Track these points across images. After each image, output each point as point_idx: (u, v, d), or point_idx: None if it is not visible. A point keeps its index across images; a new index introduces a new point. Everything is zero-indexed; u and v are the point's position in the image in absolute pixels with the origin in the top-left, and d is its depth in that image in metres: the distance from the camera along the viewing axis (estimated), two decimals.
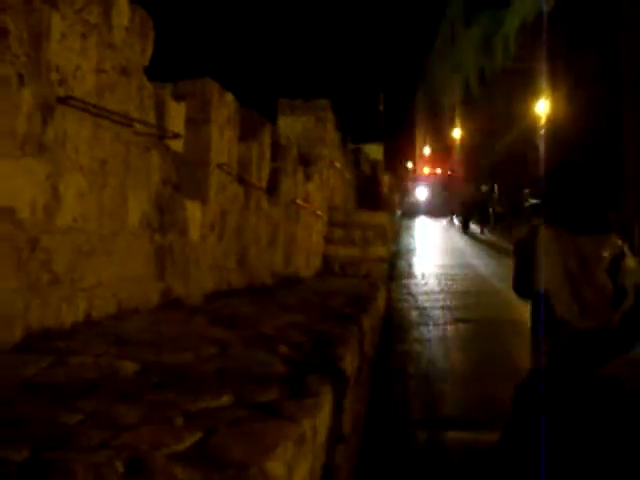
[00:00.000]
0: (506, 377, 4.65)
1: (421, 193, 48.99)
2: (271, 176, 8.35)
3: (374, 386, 5.50)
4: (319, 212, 12.26)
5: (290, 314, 4.80)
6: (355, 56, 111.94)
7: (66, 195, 3.51)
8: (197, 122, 5.74)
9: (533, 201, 22.49)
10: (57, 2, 3.38)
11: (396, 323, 9.25)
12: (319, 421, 2.32)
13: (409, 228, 29.20)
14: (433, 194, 47.71)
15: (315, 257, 12.04)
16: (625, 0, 18.19)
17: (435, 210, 40.73)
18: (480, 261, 18.12)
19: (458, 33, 49.59)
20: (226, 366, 2.85)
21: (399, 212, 32.81)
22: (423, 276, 15.09)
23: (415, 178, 55.04)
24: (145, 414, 2.12)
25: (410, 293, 12.56)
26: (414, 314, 10.23)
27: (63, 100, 3.44)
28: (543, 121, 23.58)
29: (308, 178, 11.10)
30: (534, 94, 24.77)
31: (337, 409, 2.87)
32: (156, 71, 4.80)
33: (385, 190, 26.83)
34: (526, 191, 25.83)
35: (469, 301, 11.42)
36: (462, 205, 32.24)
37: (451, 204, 38.05)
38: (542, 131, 23.57)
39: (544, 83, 23.75)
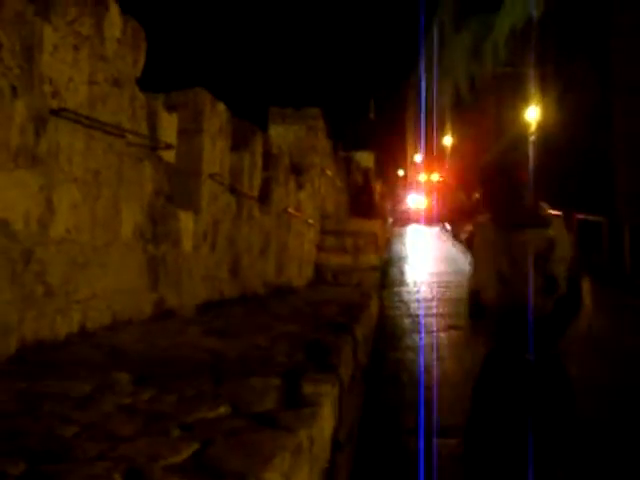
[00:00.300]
0: None
1: (412, 200, 49.11)
2: (263, 185, 8.37)
3: (368, 394, 5.50)
4: (311, 221, 12.28)
5: (283, 324, 4.80)
6: (345, 63, 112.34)
7: (59, 207, 3.51)
8: (189, 132, 5.76)
9: None
10: (49, 14, 3.40)
11: (389, 331, 9.24)
12: (315, 431, 2.32)
13: (401, 235, 29.14)
14: (425, 201, 47.78)
15: (307, 266, 12.05)
16: (615, 5, 18.29)
17: (427, 217, 40.78)
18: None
19: (448, 37, 49.79)
20: (221, 377, 2.85)
21: (390, 220, 32.84)
22: (415, 284, 15.06)
23: (406, 185, 55.18)
24: (142, 425, 2.12)
25: (402, 301, 12.54)
26: (407, 322, 10.21)
27: (56, 112, 3.45)
28: (533, 128, 23.68)
29: (300, 187, 11.13)
30: (524, 100, 24.87)
31: (332, 418, 2.87)
32: (148, 82, 4.82)
33: (377, 198, 26.90)
34: None
35: (461, 309, 11.39)
36: (454, 212, 32.29)
37: (443, 211, 38.12)
38: (532, 137, 23.67)
39: (534, 88, 23.85)
